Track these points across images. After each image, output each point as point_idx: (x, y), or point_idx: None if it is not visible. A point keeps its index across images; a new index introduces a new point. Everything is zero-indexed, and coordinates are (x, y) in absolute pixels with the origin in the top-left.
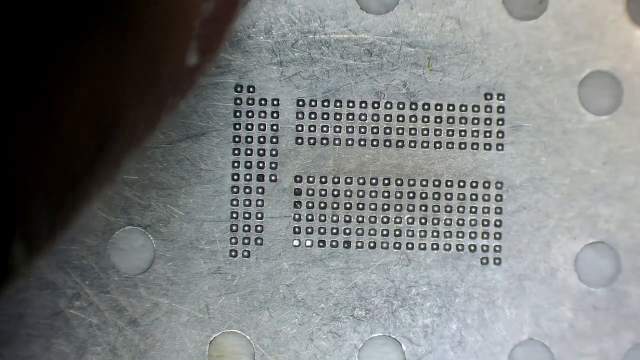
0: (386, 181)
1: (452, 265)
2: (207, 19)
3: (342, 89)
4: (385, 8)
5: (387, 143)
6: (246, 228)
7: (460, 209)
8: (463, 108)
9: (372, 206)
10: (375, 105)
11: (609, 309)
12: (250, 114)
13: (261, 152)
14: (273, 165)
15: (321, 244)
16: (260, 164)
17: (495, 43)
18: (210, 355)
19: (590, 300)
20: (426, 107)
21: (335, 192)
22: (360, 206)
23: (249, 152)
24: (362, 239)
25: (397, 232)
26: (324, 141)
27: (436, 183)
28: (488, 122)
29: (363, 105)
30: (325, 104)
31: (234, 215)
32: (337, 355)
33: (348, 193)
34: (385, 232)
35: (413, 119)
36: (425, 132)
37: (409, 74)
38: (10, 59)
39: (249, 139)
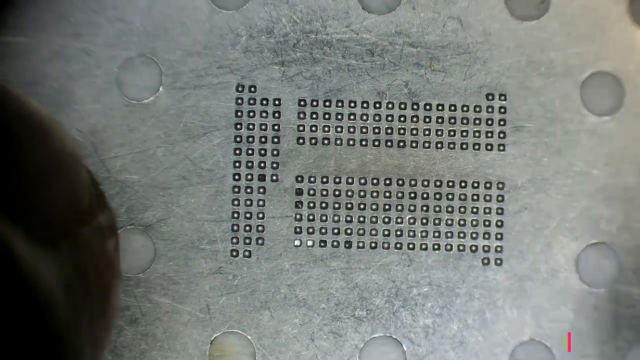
0: (387, 181)
1: (454, 266)
2: None
3: (344, 89)
4: (387, 8)
5: (389, 143)
6: (247, 228)
7: (462, 210)
8: (465, 108)
9: (374, 206)
10: (377, 105)
11: (610, 309)
12: (251, 113)
13: (262, 152)
14: (274, 165)
15: (322, 244)
16: (262, 164)
17: (497, 43)
18: (211, 355)
19: (591, 301)
20: (428, 107)
21: (337, 192)
22: (362, 206)
23: (250, 152)
24: (364, 239)
25: (399, 233)
26: (326, 141)
27: (438, 183)
28: (490, 122)
29: (365, 105)
30: (327, 104)
31: (235, 215)
32: (338, 355)
33: (349, 193)
34: (386, 233)
35: (415, 119)
36: (427, 132)
37: (410, 74)
38: None
39: (250, 139)
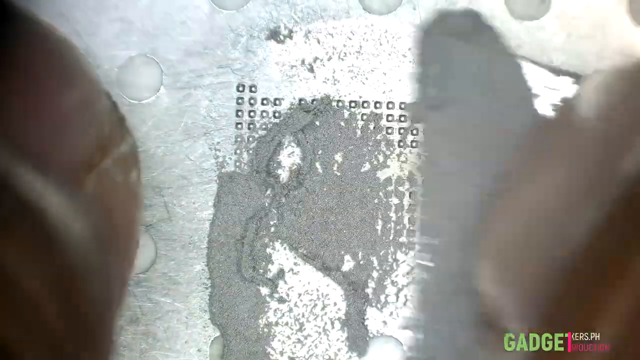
0: (387, 181)
1: None
2: None
3: (344, 88)
4: (388, 8)
5: (389, 143)
6: None
7: None
8: None
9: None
10: (378, 105)
11: None
12: (252, 113)
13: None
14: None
15: None
16: (262, 164)
17: None
18: (211, 354)
19: None
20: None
21: None
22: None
23: (250, 151)
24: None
25: (398, 232)
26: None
27: None
28: None
29: (365, 105)
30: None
31: None
32: (339, 355)
33: None
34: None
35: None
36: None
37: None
38: None
39: (250, 139)
